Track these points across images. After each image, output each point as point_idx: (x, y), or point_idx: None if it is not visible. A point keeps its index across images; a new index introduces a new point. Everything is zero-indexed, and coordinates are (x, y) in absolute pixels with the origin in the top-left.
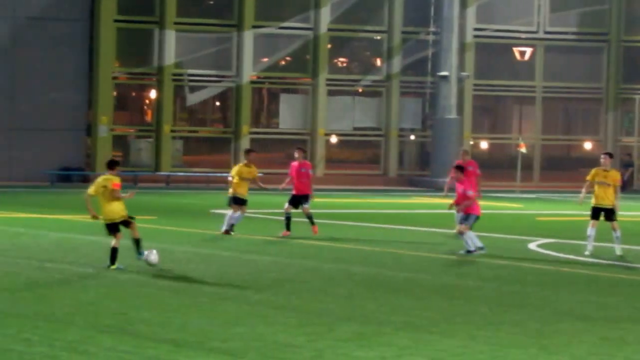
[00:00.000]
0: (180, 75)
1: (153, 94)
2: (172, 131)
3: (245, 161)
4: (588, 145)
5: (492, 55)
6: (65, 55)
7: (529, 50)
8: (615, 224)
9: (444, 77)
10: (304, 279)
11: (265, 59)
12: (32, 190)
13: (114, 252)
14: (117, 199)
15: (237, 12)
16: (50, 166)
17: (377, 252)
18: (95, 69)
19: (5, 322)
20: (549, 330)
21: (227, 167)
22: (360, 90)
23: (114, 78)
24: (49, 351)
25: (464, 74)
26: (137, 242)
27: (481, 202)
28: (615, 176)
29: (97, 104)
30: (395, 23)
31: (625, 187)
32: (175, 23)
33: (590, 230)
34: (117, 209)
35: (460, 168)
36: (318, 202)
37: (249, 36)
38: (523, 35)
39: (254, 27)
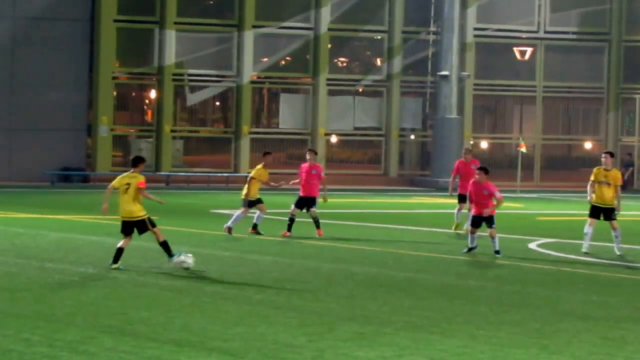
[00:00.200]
0: (181, 75)
1: (153, 94)
2: (173, 131)
3: (264, 163)
4: (589, 145)
5: (493, 55)
6: (66, 56)
7: (529, 50)
8: (614, 223)
9: (445, 76)
10: (305, 279)
11: (266, 59)
12: (33, 190)
13: (119, 252)
14: (139, 198)
15: (238, 12)
16: (50, 166)
17: (378, 252)
18: (96, 69)
19: (5, 322)
20: (549, 330)
21: (228, 167)
22: (360, 90)
23: (115, 78)
24: (49, 351)
25: (464, 73)
26: (164, 245)
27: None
28: (616, 175)
29: (97, 104)
30: (396, 23)
31: (626, 186)
32: (176, 23)
33: (588, 229)
34: (136, 209)
35: (484, 169)
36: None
37: (249, 36)
38: (524, 35)
39: (255, 27)
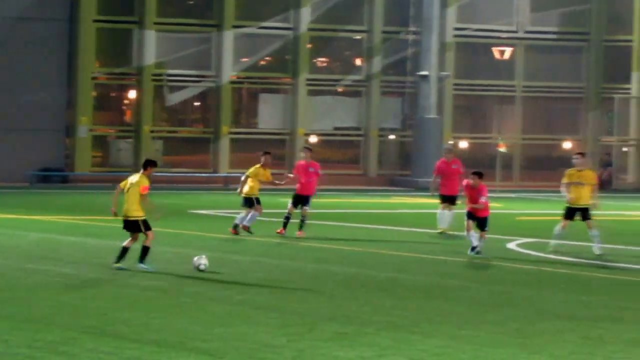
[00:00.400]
0: (160, 75)
1: (133, 94)
2: (152, 131)
3: (263, 162)
4: (568, 145)
5: (473, 55)
6: (45, 56)
7: (509, 50)
8: (591, 222)
9: (424, 76)
10: (286, 279)
11: (246, 59)
12: (12, 190)
13: (123, 251)
14: (138, 199)
15: (218, 12)
16: (29, 167)
17: (358, 252)
18: (75, 69)
19: None
20: (530, 329)
21: (207, 167)
22: (340, 90)
23: (94, 78)
24: (29, 352)
25: (444, 73)
26: (145, 250)
27: (460, 202)
28: (590, 175)
29: (76, 104)
30: (376, 23)
31: (605, 186)
32: (155, 23)
33: (560, 229)
34: (132, 208)
35: (478, 174)
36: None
37: (229, 36)
38: (504, 35)
39: (234, 27)
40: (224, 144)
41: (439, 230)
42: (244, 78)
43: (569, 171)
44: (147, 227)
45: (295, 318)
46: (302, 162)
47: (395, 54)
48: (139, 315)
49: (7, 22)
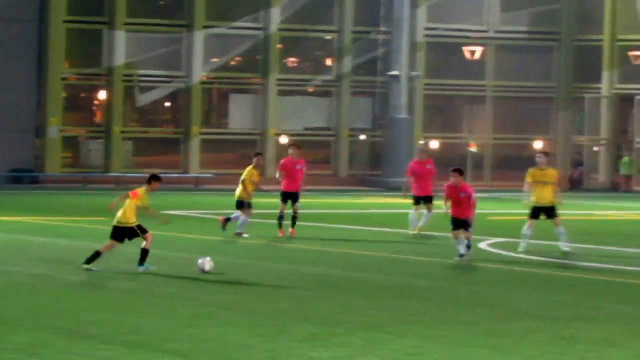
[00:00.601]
0: (131, 76)
1: (103, 95)
2: (123, 132)
3: (255, 164)
4: (539, 145)
5: (443, 55)
6: (15, 56)
7: (479, 50)
8: (557, 220)
9: (395, 76)
10: (257, 279)
11: (216, 60)
12: None
13: (96, 255)
14: (132, 207)
15: (188, 12)
16: None
17: (329, 252)
18: (45, 70)
19: None
20: (502, 329)
21: (178, 167)
22: (311, 90)
23: (64, 79)
24: None
25: (415, 73)
26: (145, 253)
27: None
28: (553, 174)
29: (47, 105)
30: (346, 23)
31: (576, 186)
32: (126, 24)
33: (527, 230)
34: (129, 216)
35: (458, 171)
36: (269, 203)
37: (199, 37)
38: (474, 35)
39: (205, 27)
40: (195, 145)
41: (414, 232)
42: (214, 78)
43: (532, 171)
44: (144, 231)
45: (267, 319)
46: (289, 159)
47: (366, 54)
48: (111, 316)
49: None
